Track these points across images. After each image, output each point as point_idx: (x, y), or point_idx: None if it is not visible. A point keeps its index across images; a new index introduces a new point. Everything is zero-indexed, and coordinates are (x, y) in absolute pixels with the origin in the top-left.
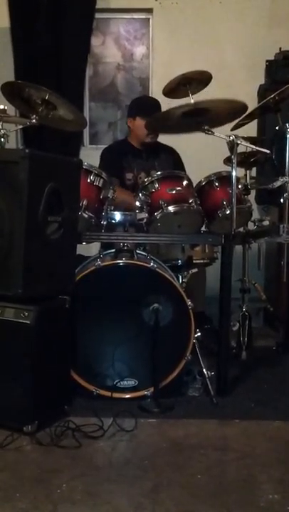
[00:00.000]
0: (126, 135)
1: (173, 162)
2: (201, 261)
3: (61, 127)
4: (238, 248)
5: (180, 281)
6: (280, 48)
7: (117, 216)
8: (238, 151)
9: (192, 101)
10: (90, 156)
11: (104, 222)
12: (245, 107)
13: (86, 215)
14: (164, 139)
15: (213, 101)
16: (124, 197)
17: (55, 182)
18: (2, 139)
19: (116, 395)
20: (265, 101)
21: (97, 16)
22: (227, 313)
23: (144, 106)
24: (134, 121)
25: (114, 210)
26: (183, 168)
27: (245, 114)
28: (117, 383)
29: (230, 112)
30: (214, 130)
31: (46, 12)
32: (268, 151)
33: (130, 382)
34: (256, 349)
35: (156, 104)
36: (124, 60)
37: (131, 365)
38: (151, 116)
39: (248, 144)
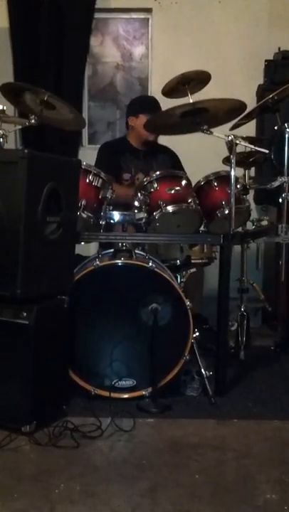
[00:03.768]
0: (124, 134)
1: (171, 163)
2: (200, 261)
3: (60, 127)
4: (237, 248)
5: (179, 281)
6: (279, 48)
7: (116, 216)
8: (237, 150)
9: (191, 101)
10: (89, 156)
11: (103, 222)
12: (243, 106)
13: (85, 215)
14: (163, 138)
15: (211, 100)
16: (122, 192)
17: (54, 182)
18: (1, 140)
19: (114, 394)
20: (263, 101)
21: (96, 15)
22: (225, 313)
23: (147, 103)
24: (137, 119)
25: (113, 209)
26: (182, 169)
27: (244, 114)
28: (115, 383)
29: (229, 111)
30: (213, 130)
31: (46, 12)
32: (267, 151)
33: (128, 382)
34: (254, 349)
35: (157, 102)
36: (124, 60)
37: (129, 365)
38: (154, 113)
39: (246, 144)
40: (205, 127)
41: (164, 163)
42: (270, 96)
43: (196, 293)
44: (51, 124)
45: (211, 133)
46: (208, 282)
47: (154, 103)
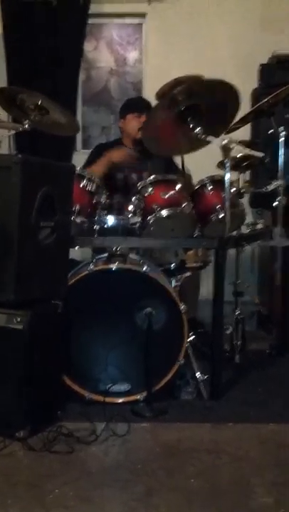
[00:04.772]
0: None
1: (165, 164)
2: (195, 265)
3: (54, 132)
4: (232, 251)
5: (173, 284)
6: (273, 52)
7: (110, 221)
8: (232, 154)
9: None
10: (83, 161)
11: (97, 227)
12: (234, 90)
13: (79, 220)
14: None
15: (195, 76)
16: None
17: (47, 187)
18: None
19: (109, 399)
20: (258, 105)
21: (90, 20)
22: (220, 316)
23: (132, 103)
24: (125, 121)
25: (107, 214)
26: (177, 167)
27: (239, 118)
28: (109, 388)
29: (221, 100)
30: (208, 135)
31: (39, 17)
32: (262, 155)
33: (123, 387)
34: (250, 352)
35: (143, 100)
36: (117, 65)
37: (124, 369)
38: (140, 110)
39: (241, 148)
40: (199, 130)
41: (158, 163)
42: (265, 100)
43: (191, 297)
44: (45, 129)
45: (206, 136)
46: (203, 286)
47: (139, 101)
